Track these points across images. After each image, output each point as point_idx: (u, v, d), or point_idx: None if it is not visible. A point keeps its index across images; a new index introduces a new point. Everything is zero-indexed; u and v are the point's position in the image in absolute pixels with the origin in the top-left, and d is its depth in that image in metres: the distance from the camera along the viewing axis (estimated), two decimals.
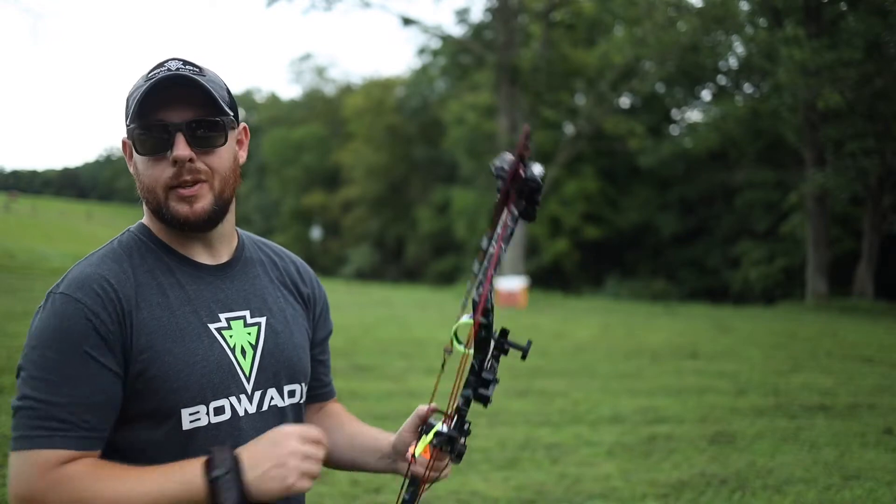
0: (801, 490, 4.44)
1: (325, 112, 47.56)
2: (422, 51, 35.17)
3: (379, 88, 42.15)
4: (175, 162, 1.24)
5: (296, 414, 1.40)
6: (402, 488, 1.33)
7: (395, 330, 11.59)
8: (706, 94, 28.89)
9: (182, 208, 1.26)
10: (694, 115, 30.40)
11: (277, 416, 1.34)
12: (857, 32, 18.08)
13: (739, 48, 23.30)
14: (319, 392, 1.55)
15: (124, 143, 1.32)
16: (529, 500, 4.25)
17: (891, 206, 20.45)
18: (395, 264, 40.10)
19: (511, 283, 18.60)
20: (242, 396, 1.29)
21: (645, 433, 5.73)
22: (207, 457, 1.14)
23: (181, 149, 1.23)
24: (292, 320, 1.42)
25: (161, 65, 1.28)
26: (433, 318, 14.11)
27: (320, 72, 51.14)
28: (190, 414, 1.23)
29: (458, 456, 1.27)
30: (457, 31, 30.42)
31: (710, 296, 24.96)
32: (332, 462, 1.48)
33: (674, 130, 29.91)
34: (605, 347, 10.19)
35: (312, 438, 1.18)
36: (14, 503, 1.15)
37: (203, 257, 1.35)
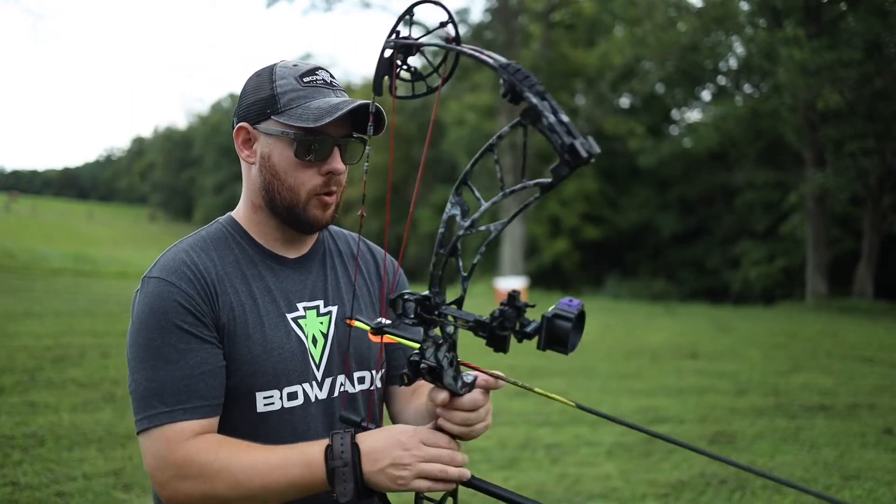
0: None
1: None
2: None
3: None
4: (328, 173, 1.33)
5: (366, 400, 1.45)
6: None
7: None
8: (706, 95, 28.90)
9: (318, 213, 1.36)
10: (694, 116, 30.42)
11: (348, 402, 1.40)
12: (857, 32, 18.10)
13: (739, 48, 23.32)
14: (399, 373, 1.55)
15: (243, 129, 1.36)
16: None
17: (891, 206, 20.45)
18: None
19: (511, 283, 18.61)
20: (314, 383, 1.36)
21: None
22: (328, 443, 1.18)
23: (339, 162, 1.34)
24: (366, 309, 1.49)
25: (314, 72, 1.36)
26: None
27: None
28: (264, 398, 1.31)
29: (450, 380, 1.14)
30: None
31: (710, 296, 24.96)
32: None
33: (674, 130, 29.91)
34: (605, 347, 10.19)
35: (436, 443, 1.18)
36: (154, 481, 1.23)
37: (286, 250, 1.42)
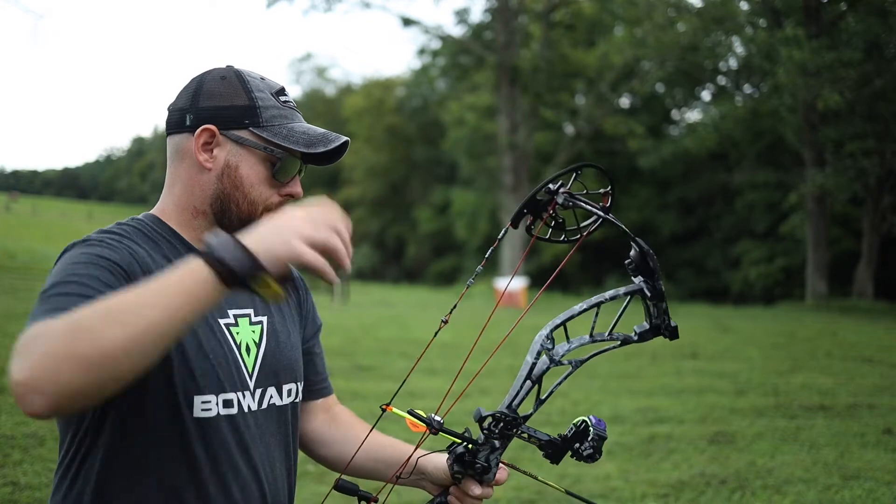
0: (801, 490, 4.44)
1: (326, 112, 47.53)
2: (422, 51, 35.19)
3: (379, 89, 42.17)
4: (288, 195, 1.32)
5: (293, 413, 1.40)
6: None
7: (395, 330, 11.60)
8: (706, 95, 28.93)
9: None
10: (694, 116, 30.44)
11: (277, 415, 1.35)
12: (857, 33, 18.12)
13: (739, 48, 23.33)
14: (319, 387, 1.54)
15: (208, 132, 1.27)
16: (529, 500, 4.25)
17: (891, 206, 20.46)
18: (395, 264, 40.13)
19: (511, 284, 18.61)
20: (247, 393, 1.30)
21: (645, 433, 5.73)
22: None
23: (299, 187, 1.34)
24: (290, 321, 1.43)
25: (284, 91, 1.34)
26: (433, 318, 14.11)
27: (320, 72, 51.20)
28: (202, 402, 1.23)
29: (479, 471, 1.24)
30: (457, 31, 30.46)
31: (710, 296, 24.96)
32: (350, 471, 1.46)
33: (674, 131, 29.92)
34: None
35: (321, 209, 1.07)
36: (22, 393, 0.89)
37: None
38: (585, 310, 1.21)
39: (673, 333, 1.22)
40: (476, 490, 1.25)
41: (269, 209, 1.30)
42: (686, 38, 21.50)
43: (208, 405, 1.24)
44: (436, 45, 32.14)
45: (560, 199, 1.17)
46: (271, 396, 1.34)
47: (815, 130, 19.87)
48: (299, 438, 1.50)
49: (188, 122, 1.29)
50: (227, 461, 1.25)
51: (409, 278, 36.32)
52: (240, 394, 1.28)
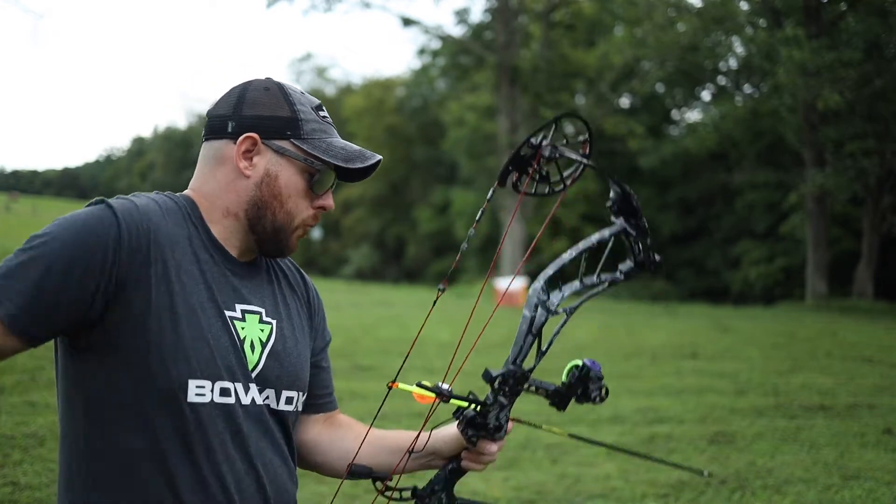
0: (801, 490, 4.44)
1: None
2: (422, 51, 35.18)
3: (379, 89, 42.16)
4: (320, 208, 1.38)
5: (288, 420, 1.39)
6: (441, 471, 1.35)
7: (395, 330, 11.60)
8: (706, 95, 28.92)
9: (295, 244, 1.39)
10: (694, 116, 30.43)
11: (269, 416, 1.34)
12: (857, 33, 18.12)
13: (739, 48, 23.33)
14: (323, 401, 1.54)
15: (251, 140, 1.32)
16: (529, 500, 4.25)
17: (891, 207, 20.46)
18: (395, 264, 40.12)
19: (511, 284, 18.62)
20: (251, 386, 1.30)
21: (645, 433, 5.74)
22: None
23: (331, 201, 1.39)
24: (300, 331, 1.44)
25: (322, 107, 1.40)
26: (433, 317, 14.09)
27: (320, 72, 51.19)
28: (196, 386, 1.23)
29: (495, 429, 1.27)
30: (457, 31, 30.44)
31: (710, 296, 24.96)
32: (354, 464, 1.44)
33: (674, 131, 29.92)
34: (605, 347, 10.19)
35: None
36: None
37: (236, 253, 1.37)
38: (574, 256, 1.27)
39: (657, 266, 1.30)
40: (492, 448, 1.31)
41: (305, 221, 1.36)
42: (686, 38, 21.50)
43: (202, 390, 1.24)
44: (436, 45, 32.14)
45: (546, 152, 1.19)
46: (267, 397, 1.34)
47: (815, 130, 19.87)
48: (300, 447, 1.50)
49: (230, 129, 1.33)
50: (221, 450, 1.25)
51: (409, 278, 36.32)
52: (239, 385, 1.28)
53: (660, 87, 28.65)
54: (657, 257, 1.29)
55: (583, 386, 1.29)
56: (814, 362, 9.19)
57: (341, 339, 9.69)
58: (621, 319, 14.52)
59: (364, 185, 40.03)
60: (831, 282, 20.44)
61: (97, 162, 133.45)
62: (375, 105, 40.13)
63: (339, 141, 1.38)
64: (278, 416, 1.36)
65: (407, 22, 26.24)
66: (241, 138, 1.31)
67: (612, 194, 1.31)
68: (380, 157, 1.39)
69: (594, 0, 25.92)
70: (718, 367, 8.71)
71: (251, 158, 1.32)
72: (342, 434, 1.50)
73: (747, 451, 5.29)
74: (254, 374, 1.31)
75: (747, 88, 24.86)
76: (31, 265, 1.16)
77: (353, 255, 40.02)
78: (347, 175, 1.40)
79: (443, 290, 1.25)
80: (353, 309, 15.24)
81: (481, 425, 1.25)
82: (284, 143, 1.32)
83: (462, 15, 30.32)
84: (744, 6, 21.99)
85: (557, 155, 1.20)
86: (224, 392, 1.26)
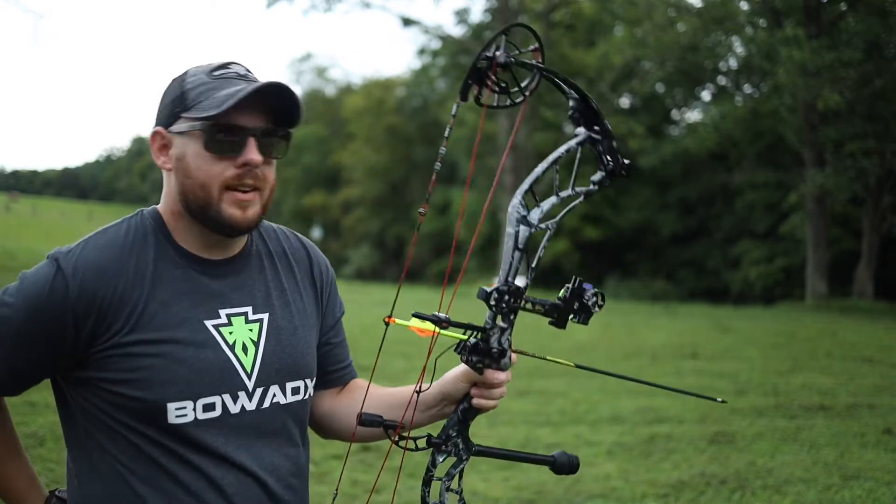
0: (801, 490, 4.44)
1: (326, 112, 47.54)
2: (422, 51, 35.23)
3: (379, 89, 42.15)
4: (243, 165, 1.25)
5: (299, 411, 1.38)
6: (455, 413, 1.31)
7: (395, 330, 11.59)
8: (706, 95, 28.92)
9: (235, 212, 1.26)
10: (694, 116, 30.43)
11: (280, 414, 1.34)
12: (857, 33, 18.12)
13: (739, 48, 23.32)
14: (339, 374, 1.52)
15: (158, 134, 1.31)
16: (529, 500, 4.25)
17: (891, 206, 20.45)
18: (395, 264, 40.12)
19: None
20: (241, 394, 1.29)
21: (645, 433, 5.74)
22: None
23: (254, 153, 1.25)
24: (299, 315, 1.40)
25: (226, 65, 1.30)
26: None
27: (320, 72, 51.20)
28: (176, 408, 1.23)
29: (497, 355, 1.25)
30: (457, 31, 30.47)
31: (710, 296, 24.95)
32: (360, 437, 1.41)
33: (674, 131, 29.92)
34: (605, 347, 10.19)
35: None
36: None
37: (209, 254, 1.33)
38: (546, 168, 1.28)
39: (628, 169, 1.32)
40: (500, 376, 1.27)
41: (228, 185, 1.26)
42: (686, 38, 21.49)
43: (183, 411, 1.24)
44: (436, 45, 32.19)
45: (501, 59, 1.18)
46: (274, 395, 1.33)
47: (815, 130, 19.87)
48: (318, 418, 1.50)
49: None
50: (212, 464, 1.25)
51: (409, 278, 36.31)
52: (227, 396, 1.27)
53: (660, 87, 28.64)
54: (625, 161, 1.31)
55: (578, 298, 1.28)
56: (814, 362, 9.19)
57: None
58: (621, 319, 14.51)
59: (364, 185, 40.05)
60: (831, 282, 20.43)
61: (97, 162, 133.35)
62: (375, 105, 40.11)
63: (225, 90, 1.24)
64: (288, 409, 1.35)
65: (407, 22, 26.26)
66: (150, 138, 1.32)
67: (571, 103, 1.32)
68: (268, 81, 1.24)
69: (594, 0, 25.91)
70: (718, 367, 8.71)
71: (168, 152, 1.30)
72: (357, 397, 1.46)
73: (747, 451, 5.29)
74: (253, 377, 1.30)
75: (747, 88, 24.87)
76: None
77: (353, 255, 40.02)
78: (255, 117, 1.26)
79: (423, 214, 1.23)
80: (353, 309, 15.20)
81: (485, 350, 1.23)
82: (179, 123, 1.26)
83: (462, 15, 30.39)
84: (744, 6, 21.99)
85: (513, 60, 1.19)
86: (207, 408, 1.25)
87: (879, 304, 18.70)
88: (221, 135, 1.24)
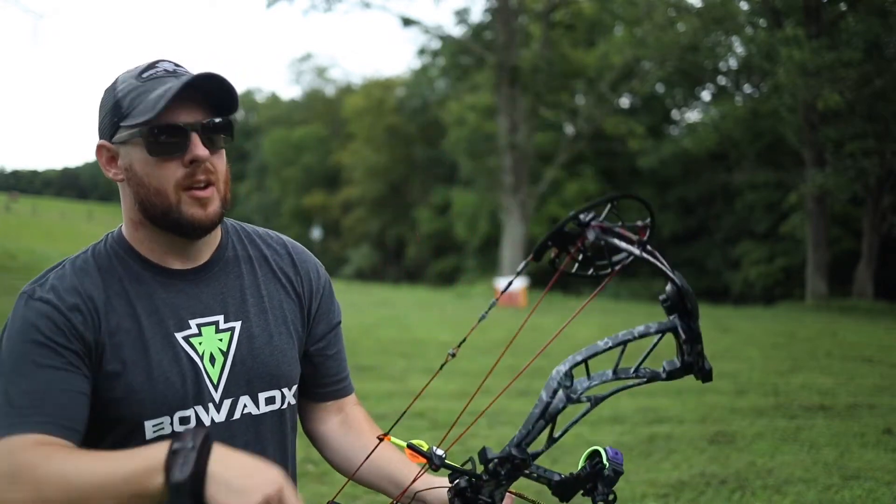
0: (801, 490, 4.44)
1: (326, 112, 47.55)
2: (422, 51, 35.20)
3: (379, 89, 42.16)
4: (191, 162, 1.21)
5: (276, 421, 1.35)
6: None
7: (396, 330, 11.60)
8: (706, 95, 28.92)
9: (196, 212, 1.24)
10: (694, 116, 30.43)
11: (250, 424, 1.31)
12: (857, 33, 18.10)
13: (739, 48, 23.31)
14: (332, 389, 1.48)
15: (102, 148, 1.28)
16: (529, 501, 4.25)
17: (891, 207, 20.45)
18: (395, 265, 40.12)
19: (511, 284, 18.63)
20: (210, 405, 1.27)
21: (645, 433, 5.74)
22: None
23: (200, 149, 1.21)
24: (276, 322, 1.36)
25: (154, 65, 1.25)
26: (433, 318, 14.11)
27: (320, 72, 51.19)
28: (153, 426, 1.23)
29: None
30: (457, 31, 30.45)
31: (710, 296, 24.96)
32: (356, 480, 1.40)
33: (674, 131, 29.92)
34: None
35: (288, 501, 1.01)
36: None
37: (178, 263, 1.31)
38: (611, 347, 1.12)
39: (706, 376, 1.11)
40: None
41: (182, 185, 1.23)
42: (686, 38, 21.48)
43: (160, 426, 1.23)
44: (436, 45, 32.16)
45: (591, 235, 1.05)
46: (245, 405, 1.30)
47: (815, 130, 19.86)
48: (313, 438, 1.48)
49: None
50: None
51: (409, 278, 36.31)
52: (200, 408, 1.26)
53: (660, 87, 28.65)
54: (708, 365, 1.12)
55: (593, 482, 1.18)
56: (814, 362, 9.18)
57: None
58: (621, 319, 14.50)
59: (364, 185, 40.05)
60: (831, 282, 20.43)
61: (97, 162, 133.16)
62: (375, 105, 40.13)
63: (159, 90, 1.19)
64: (260, 420, 1.32)
65: (407, 22, 26.23)
66: (95, 152, 1.30)
67: (668, 287, 1.14)
68: (196, 74, 1.21)
69: (594, 0, 25.90)
70: (718, 367, 8.62)
71: (116, 163, 1.27)
72: (351, 441, 1.45)
73: (747, 451, 5.28)
74: (219, 388, 1.28)
75: (747, 88, 24.85)
76: (14, 379, 1.16)
77: (353, 255, 40.03)
78: (182, 114, 1.21)
79: (453, 356, 1.14)
80: (353, 309, 15.23)
81: (471, 500, 1.16)
82: (120, 133, 1.23)
83: (462, 15, 30.35)
84: (744, 6, 21.98)
85: (603, 242, 1.06)
86: (183, 421, 1.24)
87: (879, 304, 18.70)
88: (163, 137, 1.20)
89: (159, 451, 1.00)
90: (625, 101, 29.17)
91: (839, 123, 19.42)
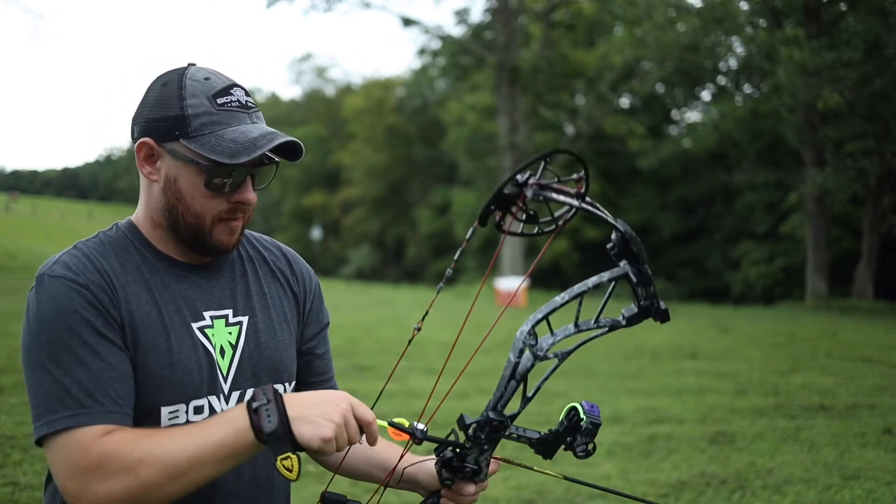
0: (801, 490, 4.44)
1: (326, 112, 47.54)
2: (422, 51, 35.20)
3: (379, 89, 42.15)
4: (237, 202, 1.27)
5: None
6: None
7: (395, 330, 11.59)
8: (706, 95, 28.92)
9: (225, 238, 1.30)
10: (694, 116, 30.43)
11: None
12: (857, 33, 18.09)
13: (739, 48, 23.32)
14: (319, 388, 1.52)
15: (146, 145, 1.26)
16: (529, 500, 4.25)
17: (891, 206, 20.45)
18: (395, 265, 40.11)
19: (511, 283, 18.64)
20: (220, 397, 1.30)
21: (645, 433, 5.74)
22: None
23: (251, 193, 1.28)
24: (278, 319, 1.41)
25: (228, 91, 1.26)
26: (433, 318, 14.05)
27: (320, 72, 51.19)
28: (170, 412, 1.24)
29: (470, 473, 1.21)
30: (457, 31, 30.47)
31: (710, 296, 24.96)
32: (344, 472, 1.45)
33: (673, 131, 29.91)
34: (605, 347, 10.18)
35: (363, 416, 1.17)
36: (69, 491, 1.12)
37: (190, 258, 1.34)
38: (568, 301, 1.15)
39: (664, 316, 1.15)
40: (470, 489, 1.26)
41: (221, 217, 1.28)
42: (686, 38, 21.49)
43: (175, 413, 1.25)
44: (436, 45, 32.16)
45: (529, 193, 1.07)
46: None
47: (815, 130, 19.86)
48: None
49: (134, 135, 1.29)
50: None
51: (409, 278, 36.31)
52: (214, 398, 1.28)
53: (660, 87, 28.65)
54: (663, 305, 1.15)
55: (571, 436, 1.20)
56: (814, 362, 9.18)
57: (341, 339, 9.68)
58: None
59: (364, 185, 40.06)
60: (831, 282, 20.43)
61: (97, 162, 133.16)
62: (375, 105, 40.12)
63: (233, 131, 1.23)
64: None
65: (407, 22, 26.22)
66: (136, 145, 1.28)
67: (613, 236, 1.17)
68: (287, 138, 1.25)
69: (594, 0, 25.90)
70: (718, 367, 8.71)
71: (155, 163, 1.27)
72: None
73: (747, 451, 5.29)
74: (228, 380, 1.31)
75: (747, 88, 24.87)
76: (65, 367, 1.16)
77: (353, 255, 40.01)
78: (254, 164, 1.26)
79: (418, 330, 1.22)
80: (353, 309, 15.23)
81: (458, 468, 1.19)
82: (176, 146, 1.23)
83: (462, 15, 30.37)
84: (744, 6, 21.99)
85: (541, 198, 1.08)
86: (198, 410, 1.27)
87: (879, 304, 18.70)
88: (227, 178, 1.25)
89: (240, 414, 1.11)
90: (625, 101, 29.16)
91: (839, 123, 19.41)
